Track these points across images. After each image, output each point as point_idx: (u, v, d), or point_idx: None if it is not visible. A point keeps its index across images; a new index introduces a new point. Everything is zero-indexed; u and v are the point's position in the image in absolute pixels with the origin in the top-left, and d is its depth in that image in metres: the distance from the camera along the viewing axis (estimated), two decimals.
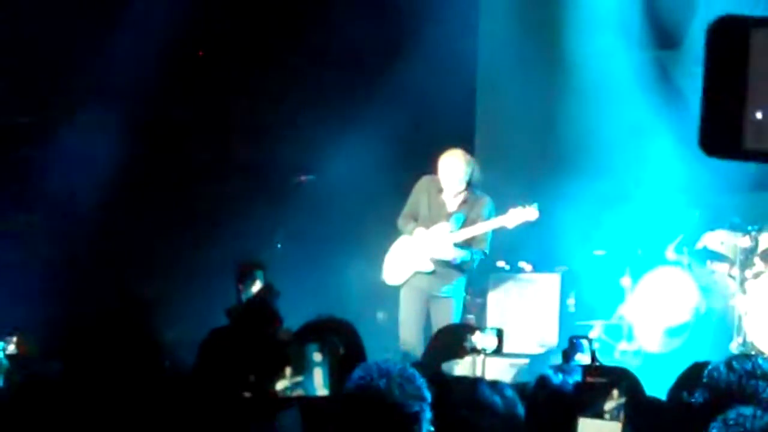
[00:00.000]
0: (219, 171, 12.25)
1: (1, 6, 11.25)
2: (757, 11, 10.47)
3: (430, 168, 9.84)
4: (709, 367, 4.29)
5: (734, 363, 4.26)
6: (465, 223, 9.69)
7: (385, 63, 11.83)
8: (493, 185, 10.25)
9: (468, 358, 7.07)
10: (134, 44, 11.14)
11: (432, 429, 3.89)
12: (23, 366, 6.64)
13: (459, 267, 9.77)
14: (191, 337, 5.38)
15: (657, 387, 4.92)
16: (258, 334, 5.27)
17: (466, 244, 9.68)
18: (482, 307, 11.11)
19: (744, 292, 10.22)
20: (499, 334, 6.12)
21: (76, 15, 11.28)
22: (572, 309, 11.15)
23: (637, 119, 11.46)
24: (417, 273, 9.81)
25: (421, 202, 9.87)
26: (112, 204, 11.44)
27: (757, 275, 10.22)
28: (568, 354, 6.10)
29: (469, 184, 9.74)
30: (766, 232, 10.30)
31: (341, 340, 4.72)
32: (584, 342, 6.12)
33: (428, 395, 3.88)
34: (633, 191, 11.15)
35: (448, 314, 9.68)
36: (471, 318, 10.88)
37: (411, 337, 9.68)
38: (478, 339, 6.02)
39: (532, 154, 12.01)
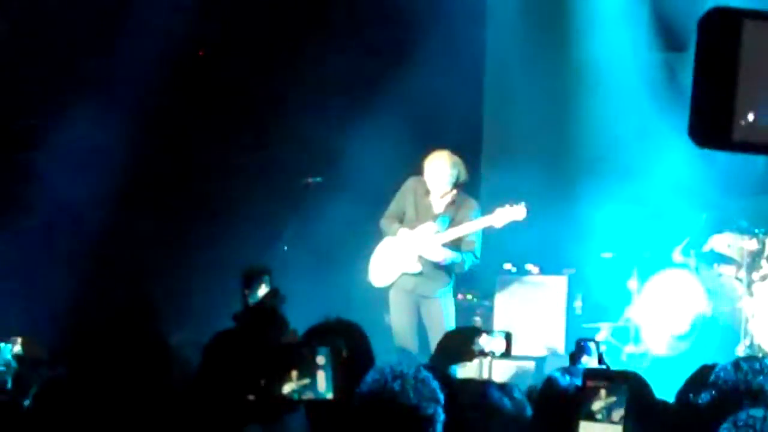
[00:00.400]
0: (224, 172, 12.23)
1: (1, 6, 11.25)
2: None
3: None
4: (717, 368, 4.29)
5: (741, 363, 4.28)
6: (451, 225, 9.61)
7: (392, 64, 11.82)
8: (500, 186, 10.24)
9: (475, 361, 7.05)
10: (136, 44, 11.14)
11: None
12: (31, 368, 6.63)
13: (447, 269, 9.68)
14: (197, 340, 5.37)
15: (664, 390, 4.91)
16: (263, 337, 5.26)
17: (454, 246, 9.61)
18: (489, 310, 11.11)
19: (751, 294, 10.21)
20: (508, 337, 6.09)
21: (76, 15, 11.28)
22: (579, 311, 11.15)
23: (644, 121, 11.46)
24: (404, 274, 9.75)
25: (407, 204, 9.81)
26: (116, 206, 11.44)
27: (764, 278, 10.22)
28: (575, 357, 6.08)
29: (456, 186, 9.68)
30: None
31: (346, 343, 4.71)
32: (591, 345, 6.10)
33: (442, 397, 3.87)
34: (640, 194, 11.13)
35: (438, 315, 9.61)
36: (478, 320, 10.87)
37: (405, 340, 9.63)
38: (486, 342, 6.00)
39: (540, 156, 12.00)
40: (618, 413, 3.95)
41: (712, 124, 2.50)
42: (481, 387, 4.49)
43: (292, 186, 10.90)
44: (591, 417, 3.96)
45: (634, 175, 11.30)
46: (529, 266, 11.34)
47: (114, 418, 4.13)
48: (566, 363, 6.25)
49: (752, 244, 10.33)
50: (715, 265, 10.71)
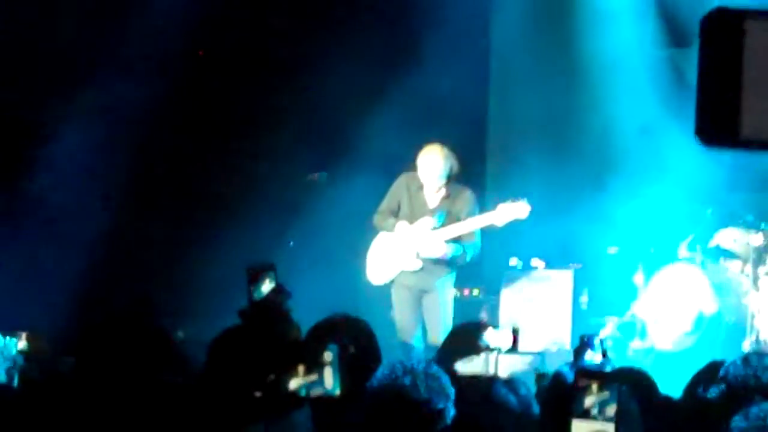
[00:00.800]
0: (231, 168, 12.24)
1: (1, 6, 11.25)
2: None
3: None
4: (726, 363, 4.31)
5: (751, 358, 4.29)
6: (447, 218, 9.58)
7: (397, 60, 11.81)
8: (505, 182, 10.22)
9: (481, 356, 7.05)
10: (137, 44, 11.15)
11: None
12: (37, 363, 6.63)
13: (449, 262, 9.65)
14: (203, 336, 5.37)
15: (670, 385, 4.90)
16: (269, 333, 5.26)
17: (455, 239, 9.57)
18: (495, 305, 11.10)
19: (757, 289, 10.20)
20: (515, 332, 6.10)
21: (76, 15, 11.28)
22: (585, 306, 11.14)
23: (650, 117, 11.44)
24: (404, 271, 9.74)
25: (401, 200, 9.77)
26: (120, 202, 11.45)
27: None
28: (578, 352, 6.08)
29: (449, 179, 9.66)
30: None
31: (352, 339, 4.71)
32: (595, 340, 6.09)
33: (452, 392, 3.87)
34: (646, 189, 11.12)
35: (435, 306, 9.60)
36: (484, 316, 10.87)
37: (409, 336, 9.62)
38: (493, 337, 5.99)
39: (545, 151, 11.99)
40: (611, 410, 3.95)
41: (718, 124, 2.51)
42: (487, 383, 4.49)
43: (297, 181, 10.91)
44: (584, 415, 3.96)
45: (639, 171, 11.29)
46: (534, 261, 11.34)
47: (119, 414, 4.14)
48: (571, 358, 6.26)
49: (758, 240, 10.32)
50: (721, 260, 10.70)
